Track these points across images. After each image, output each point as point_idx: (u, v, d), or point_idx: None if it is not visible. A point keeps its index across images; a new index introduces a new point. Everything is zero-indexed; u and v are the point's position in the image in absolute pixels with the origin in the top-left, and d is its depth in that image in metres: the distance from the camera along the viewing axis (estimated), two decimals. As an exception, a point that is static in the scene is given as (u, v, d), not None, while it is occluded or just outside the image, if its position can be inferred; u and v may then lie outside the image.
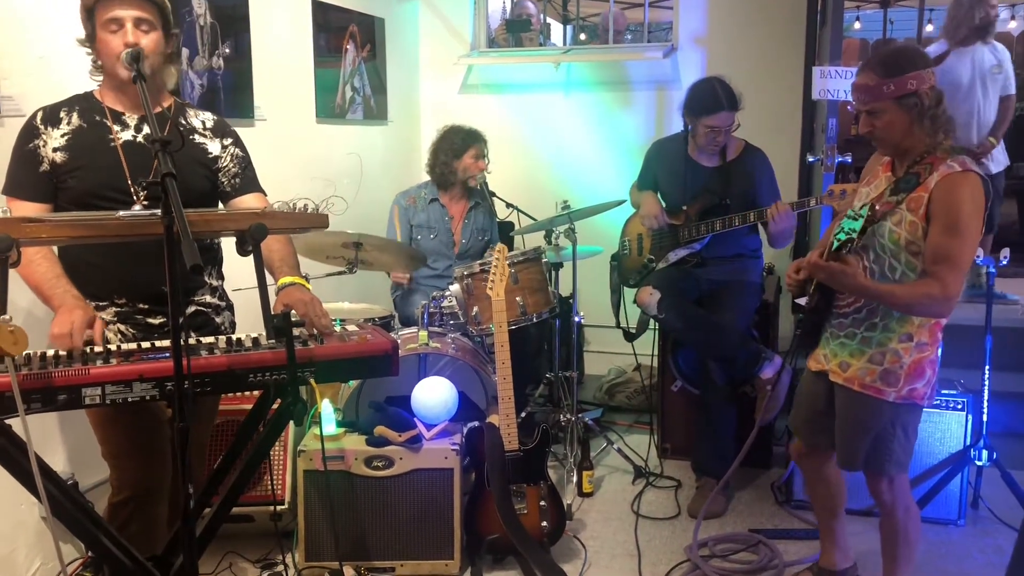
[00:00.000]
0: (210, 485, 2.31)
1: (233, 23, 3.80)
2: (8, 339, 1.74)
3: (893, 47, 2.59)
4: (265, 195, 2.62)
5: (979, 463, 3.45)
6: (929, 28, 10.01)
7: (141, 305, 2.43)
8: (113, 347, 2.11)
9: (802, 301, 2.59)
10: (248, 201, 2.56)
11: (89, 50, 2.37)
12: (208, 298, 2.57)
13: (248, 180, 2.60)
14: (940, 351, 2.54)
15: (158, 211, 1.82)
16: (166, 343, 2.13)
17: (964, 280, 2.34)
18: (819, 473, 2.84)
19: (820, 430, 2.72)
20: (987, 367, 3.49)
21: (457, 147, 4.23)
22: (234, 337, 2.20)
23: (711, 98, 3.60)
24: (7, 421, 1.90)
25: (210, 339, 2.21)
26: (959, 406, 3.40)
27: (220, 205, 2.57)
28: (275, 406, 2.19)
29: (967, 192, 2.31)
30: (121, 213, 2.02)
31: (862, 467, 2.59)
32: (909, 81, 2.35)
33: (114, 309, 2.41)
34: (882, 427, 2.51)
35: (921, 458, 3.44)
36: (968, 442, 3.40)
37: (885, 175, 2.56)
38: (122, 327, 2.41)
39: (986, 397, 3.49)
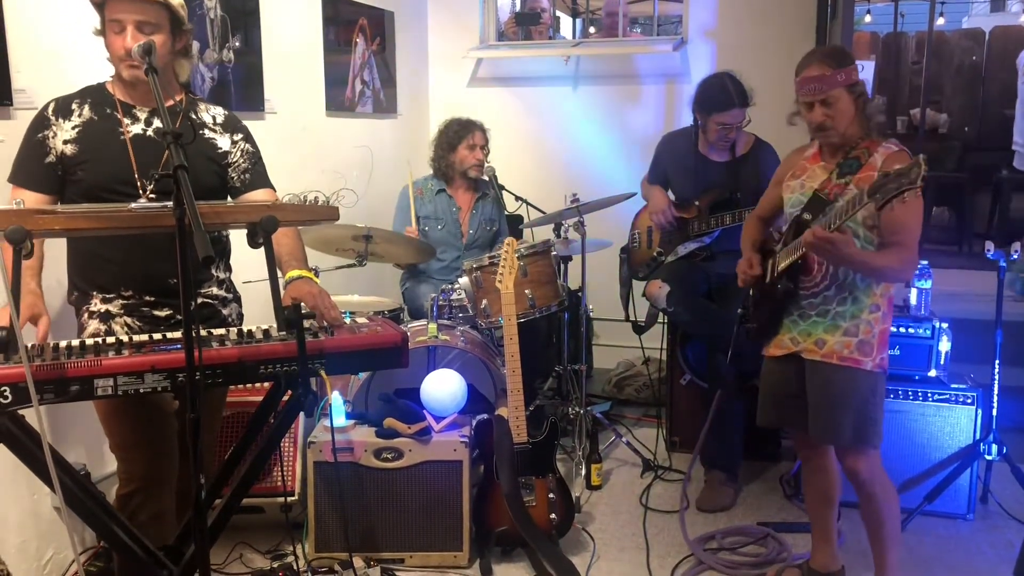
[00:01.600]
0: (221, 476, 2.33)
1: (243, 16, 3.81)
2: None
3: (828, 45, 2.78)
4: (275, 190, 2.62)
5: (988, 457, 3.44)
6: (941, 21, 9.95)
7: (148, 297, 2.43)
8: (125, 338, 2.13)
9: None
10: (258, 196, 2.55)
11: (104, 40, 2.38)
12: (215, 290, 2.57)
13: (258, 175, 2.60)
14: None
15: (170, 203, 1.82)
16: (177, 335, 2.15)
17: (917, 246, 2.55)
18: (821, 461, 2.85)
19: (794, 412, 2.76)
20: (997, 361, 3.48)
21: (451, 139, 4.23)
22: (245, 329, 2.21)
23: (722, 95, 3.61)
24: (21, 412, 1.91)
25: (221, 331, 2.22)
26: (969, 400, 3.39)
27: (229, 200, 2.57)
28: (286, 398, 2.20)
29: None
30: (133, 205, 2.03)
31: (849, 442, 2.64)
32: (853, 72, 2.60)
33: (121, 301, 2.42)
34: (863, 397, 2.61)
35: (930, 452, 3.44)
36: (978, 436, 3.39)
37: (818, 165, 2.72)
38: (128, 320, 2.42)
39: (996, 391, 3.48)
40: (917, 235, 2.55)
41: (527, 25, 5.86)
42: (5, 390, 1.83)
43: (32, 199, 2.31)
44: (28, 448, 1.95)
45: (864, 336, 2.61)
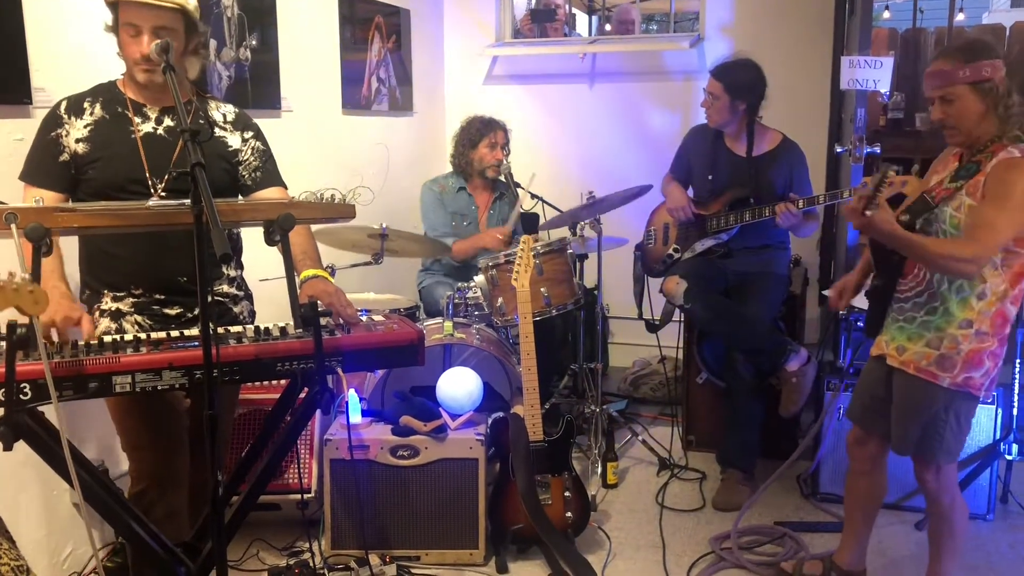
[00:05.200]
0: (238, 473, 2.34)
1: (260, 15, 3.82)
2: (28, 299, 1.76)
3: (967, 37, 2.65)
4: (286, 188, 2.62)
5: (1009, 457, 3.42)
6: (960, 17, 9.85)
7: (158, 296, 2.44)
8: (143, 336, 2.14)
9: (827, 293, 2.59)
10: (269, 194, 2.55)
11: (116, 37, 2.38)
12: (226, 288, 2.58)
13: (269, 173, 2.60)
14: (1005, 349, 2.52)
15: (187, 200, 1.83)
16: (195, 332, 2.15)
17: (995, 249, 2.37)
18: (869, 466, 2.81)
19: (877, 416, 2.72)
20: (1018, 360, 3.45)
21: (472, 137, 4.23)
22: (262, 326, 2.22)
23: (717, 63, 3.76)
24: (40, 408, 1.93)
25: (238, 328, 2.23)
26: (989, 400, 3.35)
27: (240, 199, 2.57)
28: (302, 395, 2.21)
29: (1016, 173, 2.34)
30: (151, 202, 2.05)
31: (912, 452, 2.60)
32: (984, 68, 2.40)
33: (131, 300, 2.43)
34: (934, 412, 2.52)
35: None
36: (998, 436, 3.36)
37: (954, 165, 2.58)
38: (139, 318, 2.43)
39: (1016, 391, 3.45)
40: (993, 235, 2.34)
41: (543, 22, 5.84)
42: (25, 387, 1.85)
43: (46, 198, 2.30)
44: (47, 444, 1.96)
45: (947, 351, 2.48)
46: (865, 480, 2.84)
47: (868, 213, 2.40)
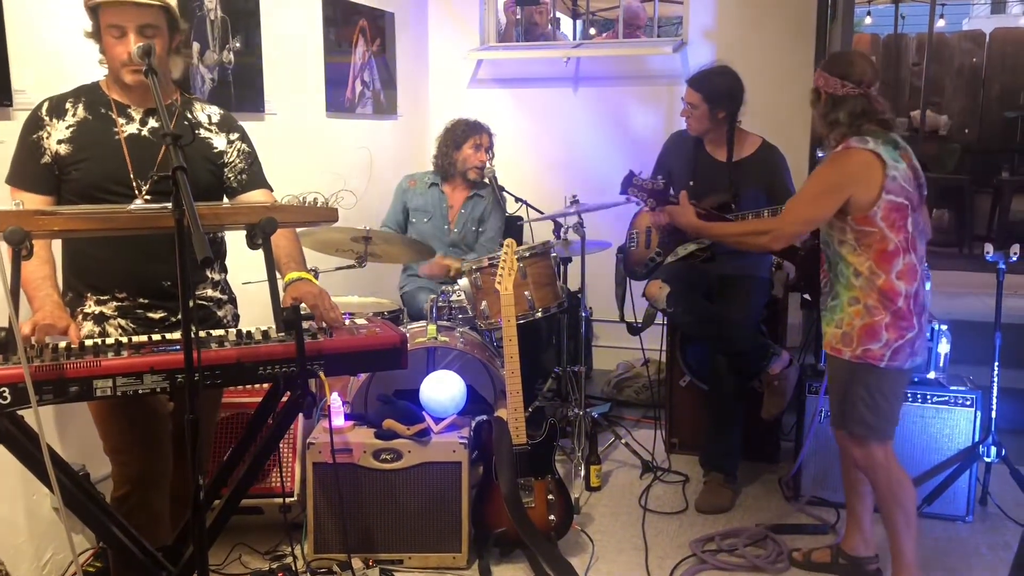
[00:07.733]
0: (220, 477, 2.33)
1: (244, 17, 3.81)
2: None
3: (852, 51, 3.04)
4: (272, 191, 2.61)
5: (987, 459, 3.44)
6: (941, 23, 9.93)
7: (142, 299, 2.42)
8: (124, 339, 2.13)
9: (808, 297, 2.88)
10: (255, 197, 2.54)
11: (97, 43, 2.37)
12: (210, 292, 2.57)
13: (255, 176, 2.59)
14: (916, 321, 2.71)
15: (169, 204, 1.82)
16: (176, 336, 2.15)
17: (791, 225, 2.79)
18: (847, 449, 2.93)
19: None
20: (996, 363, 3.48)
21: (457, 138, 4.25)
22: (244, 330, 2.22)
23: (695, 71, 3.79)
24: (20, 412, 1.91)
25: (220, 332, 2.22)
26: (968, 402, 3.39)
27: (225, 201, 2.56)
28: (284, 399, 2.21)
29: (827, 163, 2.72)
30: (131, 206, 2.04)
31: (838, 424, 2.85)
32: (819, 77, 2.76)
33: (115, 303, 2.41)
34: (845, 385, 2.77)
35: (929, 454, 3.44)
36: (977, 438, 3.39)
37: None
38: (122, 322, 2.42)
39: (995, 393, 3.48)
40: (794, 215, 2.77)
41: (526, 5, 5.82)
42: (4, 391, 1.84)
43: (31, 201, 2.29)
44: (27, 449, 1.95)
45: (846, 328, 2.74)
46: (847, 462, 2.97)
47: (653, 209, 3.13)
